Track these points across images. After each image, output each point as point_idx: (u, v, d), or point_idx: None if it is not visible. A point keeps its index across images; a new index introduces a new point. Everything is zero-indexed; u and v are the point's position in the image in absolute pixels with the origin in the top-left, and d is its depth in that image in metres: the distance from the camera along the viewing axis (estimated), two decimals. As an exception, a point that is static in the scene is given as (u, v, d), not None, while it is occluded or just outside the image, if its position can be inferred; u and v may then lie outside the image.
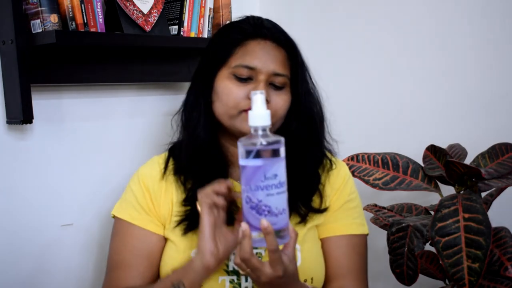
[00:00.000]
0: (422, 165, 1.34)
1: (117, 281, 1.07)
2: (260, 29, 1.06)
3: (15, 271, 1.29)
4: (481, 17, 1.41)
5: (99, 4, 1.25)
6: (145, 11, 1.34)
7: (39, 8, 1.17)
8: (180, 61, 1.53)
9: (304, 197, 1.07)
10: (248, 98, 1.01)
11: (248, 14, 1.11)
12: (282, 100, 1.04)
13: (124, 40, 1.31)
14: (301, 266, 1.03)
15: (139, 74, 1.46)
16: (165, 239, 1.09)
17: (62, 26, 1.20)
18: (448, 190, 1.26)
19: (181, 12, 1.45)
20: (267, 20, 1.09)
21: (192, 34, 1.49)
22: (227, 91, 1.03)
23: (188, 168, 1.09)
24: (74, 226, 1.38)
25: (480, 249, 1.05)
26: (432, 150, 1.34)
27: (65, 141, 1.36)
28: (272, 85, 1.04)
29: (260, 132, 0.81)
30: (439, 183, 1.30)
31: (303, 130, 1.08)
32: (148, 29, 1.35)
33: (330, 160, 1.13)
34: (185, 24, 1.47)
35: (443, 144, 1.37)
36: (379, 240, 1.47)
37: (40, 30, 1.18)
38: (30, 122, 1.21)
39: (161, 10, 1.38)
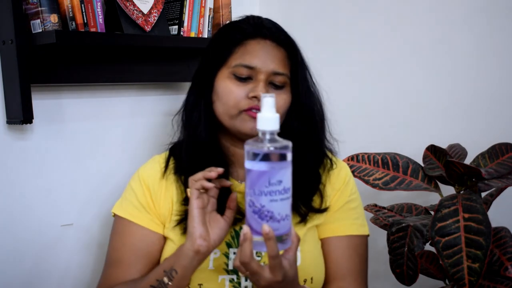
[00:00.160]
0: (422, 165, 1.34)
1: (114, 278, 1.07)
2: (260, 28, 1.06)
3: (15, 270, 1.29)
4: (481, 18, 1.41)
5: (99, 4, 1.25)
6: (145, 11, 1.34)
7: (39, 8, 1.17)
8: (180, 61, 1.53)
9: (305, 196, 1.07)
10: (248, 97, 1.02)
11: (248, 14, 1.11)
12: (282, 99, 1.04)
13: (124, 40, 1.31)
14: (301, 266, 1.03)
15: (139, 74, 1.46)
16: (165, 238, 1.09)
17: (62, 26, 1.20)
18: (448, 190, 1.26)
19: (181, 12, 1.45)
20: (267, 19, 1.09)
21: (192, 34, 1.49)
22: (227, 90, 1.03)
23: (189, 167, 1.09)
24: (74, 226, 1.38)
25: (480, 249, 1.05)
26: (432, 150, 1.34)
27: (65, 141, 1.36)
28: (272, 85, 1.04)
29: (268, 136, 0.80)
30: (439, 183, 1.30)
31: (304, 130, 1.07)
32: (148, 29, 1.35)
33: (331, 160, 1.14)
34: (185, 24, 1.47)
35: (443, 144, 1.37)
36: (379, 240, 1.47)
37: (40, 30, 1.18)
38: (30, 122, 1.21)
39: (161, 10, 1.38)
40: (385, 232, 1.27)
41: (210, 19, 1.53)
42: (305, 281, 1.04)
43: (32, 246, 1.32)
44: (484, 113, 1.43)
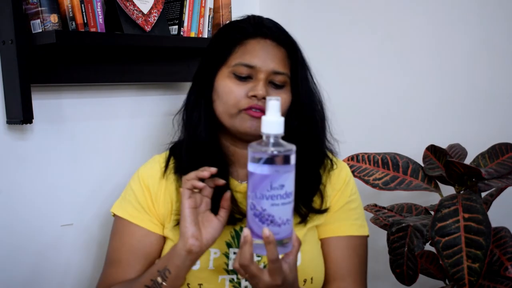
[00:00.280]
0: (422, 165, 1.34)
1: (112, 278, 1.08)
2: (260, 28, 1.06)
3: (15, 270, 1.29)
4: (481, 18, 1.41)
5: (99, 4, 1.25)
6: (145, 11, 1.34)
7: (39, 8, 1.17)
8: (180, 61, 1.53)
9: (305, 197, 1.07)
10: (248, 96, 1.02)
11: (248, 14, 1.11)
12: (281, 99, 1.03)
13: (124, 40, 1.31)
14: (301, 266, 1.03)
15: (139, 74, 1.46)
16: (164, 238, 1.09)
17: (62, 26, 1.20)
18: (448, 190, 1.26)
19: (181, 12, 1.45)
20: (267, 19, 1.09)
21: (192, 34, 1.49)
22: (227, 90, 1.03)
23: (189, 167, 1.08)
24: (74, 226, 1.38)
25: (480, 249, 1.05)
26: (432, 150, 1.34)
27: (65, 141, 1.36)
28: (272, 84, 1.04)
29: (272, 140, 0.79)
30: (439, 183, 1.29)
31: (304, 130, 1.07)
32: (148, 29, 1.35)
33: (331, 160, 1.13)
34: (185, 24, 1.47)
35: (443, 144, 1.37)
36: (379, 240, 1.47)
37: (40, 30, 1.18)
38: (30, 122, 1.21)
39: (161, 10, 1.38)
40: (385, 232, 1.27)
41: (210, 19, 1.53)
42: (304, 281, 1.04)
43: (32, 245, 1.32)
44: (484, 113, 1.43)
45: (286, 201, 0.79)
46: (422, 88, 1.54)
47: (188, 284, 1.03)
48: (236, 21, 1.10)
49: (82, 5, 1.22)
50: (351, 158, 1.35)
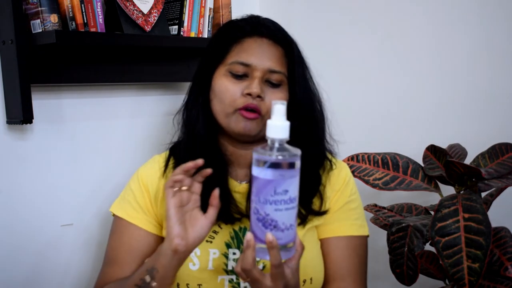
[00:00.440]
0: (422, 165, 1.34)
1: (109, 277, 1.08)
2: (257, 27, 1.06)
3: (15, 270, 1.29)
4: (481, 18, 1.41)
5: (99, 4, 1.25)
6: (145, 11, 1.34)
7: (39, 8, 1.17)
8: (180, 61, 1.53)
9: (304, 199, 1.06)
10: (243, 95, 1.02)
11: (248, 14, 1.11)
12: (277, 97, 1.04)
13: (124, 40, 1.31)
14: (300, 267, 1.03)
15: (139, 74, 1.46)
16: (163, 239, 1.09)
17: (62, 26, 1.20)
18: (448, 190, 1.26)
19: (181, 12, 1.45)
20: (266, 18, 1.09)
21: (192, 34, 1.49)
22: (223, 88, 1.04)
23: None
24: (74, 226, 1.38)
25: (480, 249, 1.05)
26: (432, 150, 1.34)
27: (65, 141, 1.36)
28: (268, 83, 1.04)
29: (276, 145, 0.78)
30: (439, 183, 1.29)
31: (303, 129, 1.06)
32: (148, 29, 1.35)
33: (330, 161, 1.13)
34: (185, 24, 1.47)
35: (443, 144, 1.37)
36: (379, 240, 1.47)
37: (40, 30, 1.18)
38: (30, 122, 1.21)
39: (161, 10, 1.38)
40: (385, 232, 1.27)
41: (210, 19, 1.53)
42: (304, 281, 1.04)
43: (32, 245, 1.32)
44: (484, 113, 1.43)
45: (289, 206, 0.78)
46: (422, 88, 1.54)
47: (187, 284, 1.03)
48: (234, 20, 1.11)
49: (82, 5, 1.22)
50: (351, 158, 1.35)
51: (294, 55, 1.07)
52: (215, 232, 1.05)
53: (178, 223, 0.90)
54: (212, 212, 0.94)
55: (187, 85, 1.15)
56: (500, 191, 1.22)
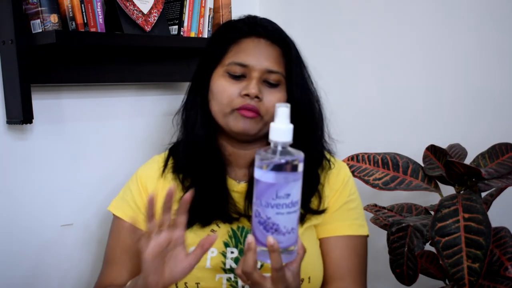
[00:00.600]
0: (422, 165, 1.34)
1: (107, 277, 1.08)
2: (254, 27, 1.06)
3: (15, 270, 1.29)
4: (481, 18, 1.41)
5: (99, 4, 1.25)
6: (145, 11, 1.34)
7: (39, 8, 1.17)
8: (180, 61, 1.53)
9: (303, 198, 1.06)
10: (241, 96, 1.02)
11: (248, 14, 1.11)
12: (275, 97, 1.04)
13: (124, 40, 1.31)
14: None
15: (139, 74, 1.46)
16: None
17: (62, 26, 1.20)
18: (448, 190, 1.26)
19: (181, 12, 1.45)
20: (263, 19, 1.09)
21: (192, 34, 1.49)
22: (220, 89, 1.04)
23: (186, 166, 1.09)
24: (74, 226, 1.39)
25: (480, 249, 1.04)
26: (432, 150, 1.34)
27: (65, 141, 1.36)
28: (266, 83, 1.04)
29: (279, 148, 0.77)
30: (439, 183, 1.29)
31: (301, 129, 1.06)
32: (148, 29, 1.35)
33: (329, 161, 1.13)
34: (185, 24, 1.47)
35: (443, 144, 1.37)
36: (379, 240, 1.47)
37: (40, 30, 1.18)
38: (30, 122, 1.21)
39: (161, 10, 1.38)
40: (385, 232, 1.27)
41: (210, 19, 1.53)
42: (302, 280, 1.04)
43: (32, 245, 1.32)
44: (484, 113, 1.43)
45: (291, 210, 0.78)
46: (422, 88, 1.53)
47: (185, 283, 1.03)
48: (232, 21, 1.11)
49: (82, 5, 1.22)
50: (351, 158, 1.35)
51: (292, 55, 1.07)
52: (213, 231, 1.06)
53: (153, 272, 0.85)
54: (199, 253, 0.87)
55: (187, 85, 1.16)
56: (500, 191, 1.22)
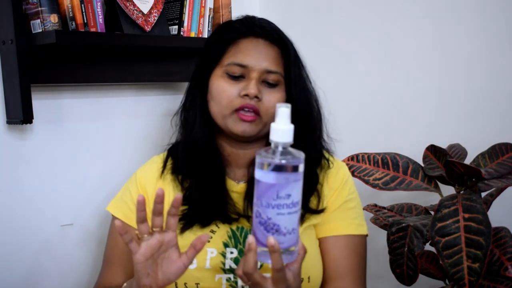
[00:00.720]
0: (422, 165, 1.34)
1: (106, 278, 1.09)
2: (252, 27, 1.06)
3: (15, 270, 1.29)
4: (480, 17, 1.41)
5: (99, 4, 1.25)
6: (145, 11, 1.34)
7: (39, 8, 1.17)
8: (180, 61, 1.53)
9: (302, 197, 1.06)
10: (241, 96, 1.02)
11: (248, 14, 1.11)
12: (274, 97, 1.04)
13: (124, 40, 1.31)
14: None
15: (139, 74, 1.46)
16: None
17: (62, 26, 1.20)
18: (448, 190, 1.26)
19: (181, 12, 1.45)
20: (261, 19, 1.09)
21: (192, 34, 1.49)
22: (219, 90, 1.04)
23: (185, 167, 1.09)
24: (74, 225, 1.39)
25: (480, 249, 1.04)
26: (432, 150, 1.34)
27: (65, 141, 1.36)
28: (265, 83, 1.04)
29: (280, 149, 0.77)
30: (439, 183, 1.29)
31: (300, 129, 1.06)
32: (148, 29, 1.35)
33: (328, 160, 1.13)
34: (185, 24, 1.47)
35: (443, 144, 1.37)
36: (379, 240, 1.47)
37: (40, 30, 1.18)
38: (30, 122, 1.21)
39: (161, 10, 1.38)
40: (385, 232, 1.27)
41: (210, 19, 1.53)
42: (301, 280, 1.04)
43: (32, 245, 1.32)
44: (484, 113, 1.43)
45: (292, 211, 0.78)
46: (422, 88, 1.54)
47: (185, 284, 1.03)
48: (230, 21, 1.11)
49: (82, 5, 1.22)
50: (351, 158, 1.35)
51: (290, 55, 1.07)
52: (212, 231, 1.06)
53: (146, 275, 0.85)
54: (191, 254, 0.87)
55: (186, 85, 1.16)
56: (500, 191, 1.22)
